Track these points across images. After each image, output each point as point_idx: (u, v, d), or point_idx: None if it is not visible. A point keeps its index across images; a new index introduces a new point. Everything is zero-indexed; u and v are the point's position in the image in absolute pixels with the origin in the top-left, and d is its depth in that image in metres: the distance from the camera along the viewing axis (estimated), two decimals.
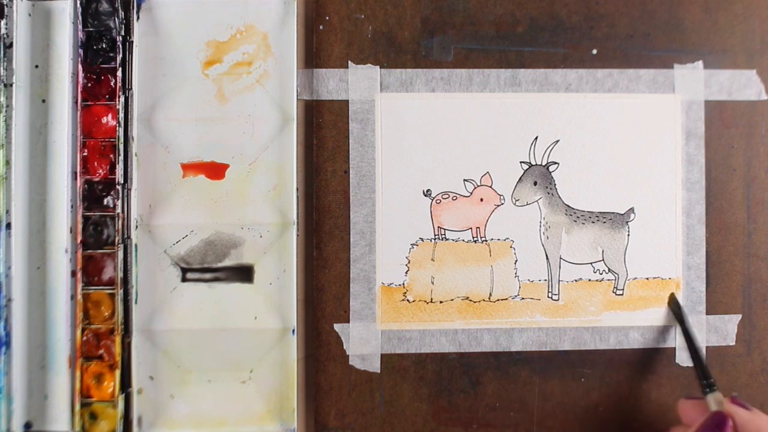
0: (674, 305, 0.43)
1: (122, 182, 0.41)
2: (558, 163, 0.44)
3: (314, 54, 0.43)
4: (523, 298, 0.43)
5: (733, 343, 0.44)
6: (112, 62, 0.42)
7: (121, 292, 0.41)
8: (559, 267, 0.44)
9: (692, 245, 0.44)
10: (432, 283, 0.43)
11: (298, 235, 0.42)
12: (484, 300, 0.43)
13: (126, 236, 0.42)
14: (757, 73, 0.44)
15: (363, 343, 0.43)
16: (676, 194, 0.44)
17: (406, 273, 0.43)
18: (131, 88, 0.42)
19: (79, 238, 0.41)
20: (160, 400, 0.42)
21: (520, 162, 0.44)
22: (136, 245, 0.42)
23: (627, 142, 0.44)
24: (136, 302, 0.42)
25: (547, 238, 0.44)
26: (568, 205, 0.44)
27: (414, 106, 0.43)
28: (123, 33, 0.42)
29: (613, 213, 0.44)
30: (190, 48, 0.43)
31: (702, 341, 0.44)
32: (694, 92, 0.44)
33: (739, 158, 0.44)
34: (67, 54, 0.41)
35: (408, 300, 0.43)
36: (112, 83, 0.42)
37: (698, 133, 0.44)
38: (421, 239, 0.43)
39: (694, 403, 0.35)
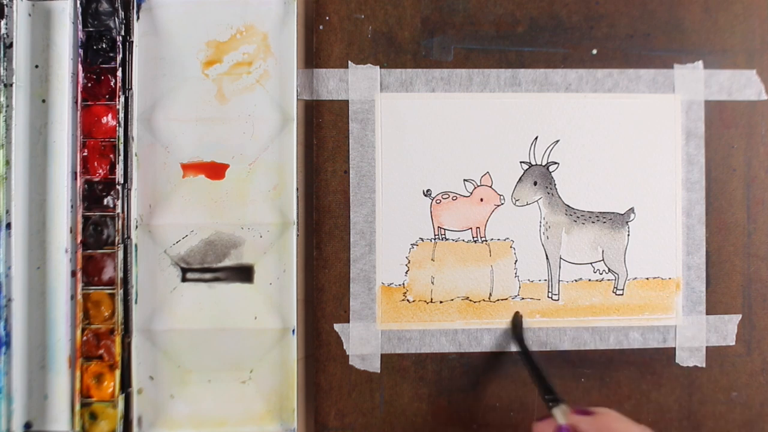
0: (514, 322, 0.43)
1: (122, 182, 0.41)
2: (558, 163, 0.44)
3: (314, 54, 0.43)
4: (523, 298, 0.43)
5: (733, 343, 0.44)
6: (112, 62, 0.42)
7: (121, 292, 0.41)
8: (559, 267, 0.44)
9: (692, 245, 0.44)
10: (432, 283, 0.43)
11: (298, 235, 0.42)
12: (484, 300, 0.43)
13: (126, 236, 0.42)
14: (757, 73, 0.44)
15: (363, 343, 0.43)
16: (676, 194, 0.44)
17: (406, 273, 0.43)
18: (131, 88, 0.42)
19: (79, 238, 0.41)
20: (160, 400, 0.42)
21: (520, 162, 0.44)
22: (136, 245, 0.42)
23: (627, 142, 0.44)
24: (136, 302, 0.42)
25: (547, 238, 0.44)
26: (568, 205, 0.44)
27: (414, 106, 0.43)
28: (123, 33, 0.42)
29: (613, 213, 0.44)
30: (190, 48, 0.43)
31: (702, 341, 0.44)
32: (694, 92, 0.44)
33: (739, 158, 0.44)
34: (67, 54, 0.41)
35: (408, 300, 0.43)
36: (112, 83, 0.42)
37: (698, 133, 0.44)
38: (421, 239, 0.43)
39: (545, 423, 0.35)
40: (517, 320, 0.43)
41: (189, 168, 0.42)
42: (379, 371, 0.43)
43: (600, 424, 0.33)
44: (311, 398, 0.43)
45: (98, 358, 0.41)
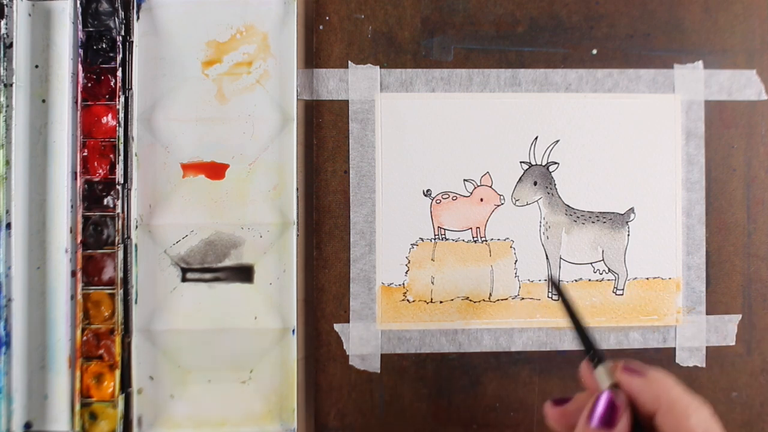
0: (556, 287, 0.40)
1: (122, 182, 0.41)
2: (558, 163, 0.44)
3: (314, 54, 0.43)
4: (523, 298, 0.43)
5: (733, 343, 0.44)
6: (112, 62, 0.42)
7: (121, 292, 0.41)
8: (559, 267, 0.44)
9: (692, 245, 0.44)
10: (432, 283, 0.43)
11: (298, 235, 0.42)
12: (484, 300, 0.43)
13: (126, 236, 0.42)
14: (757, 73, 0.44)
15: (363, 343, 0.43)
16: (676, 194, 0.44)
17: (406, 273, 0.43)
18: (131, 88, 0.42)
19: (79, 238, 0.41)
20: (160, 400, 0.42)
21: (520, 162, 0.44)
22: (136, 245, 0.42)
23: (627, 142, 0.44)
24: (136, 302, 0.42)
25: (547, 238, 0.44)
26: (568, 205, 0.44)
27: (414, 106, 0.43)
28: (123, 33, 0.42)
29: (613, 213, 0.44)
30: (190, 48, 0.43)
31: (702, 341, 0.44)
32: (694, 92, 0.44)
33: (739, 158, 0.44)
34: (67, 54, 0.41)
35: (408, 300, 0.43)
36: (112, 83, 0.42)
37: (698, 133, 0.44)
38: (421, 239, 0.43)
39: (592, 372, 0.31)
40: (556, 284, 0.42)
41: (189, 168, 0.42)
42: (379, 371, 0.43)
43: (656, 390, 0.29)
44: (311, 398, 0.43)
45: (98, 358, 0.41)
